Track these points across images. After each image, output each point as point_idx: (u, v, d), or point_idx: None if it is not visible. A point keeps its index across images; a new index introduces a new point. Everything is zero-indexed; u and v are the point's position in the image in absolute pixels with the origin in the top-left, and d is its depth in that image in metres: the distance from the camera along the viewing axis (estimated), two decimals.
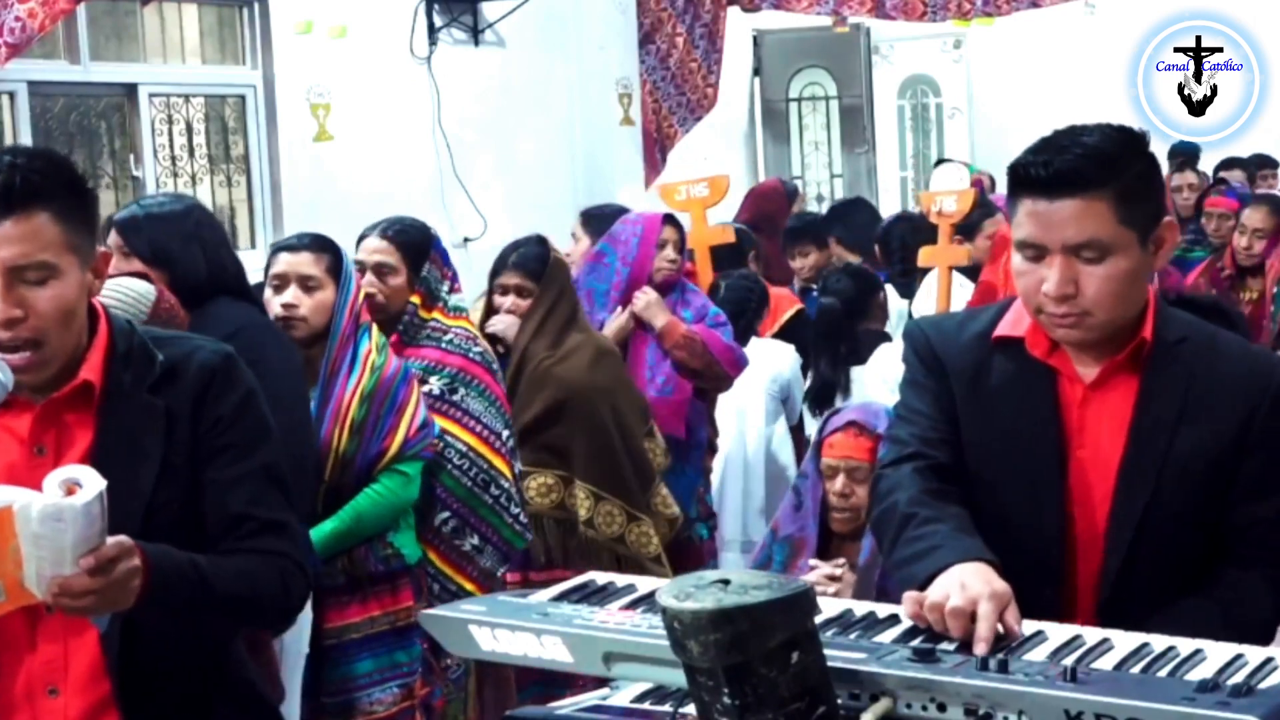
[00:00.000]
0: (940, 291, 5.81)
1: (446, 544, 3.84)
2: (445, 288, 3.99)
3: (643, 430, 4.45)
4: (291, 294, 3.65)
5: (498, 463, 3.88)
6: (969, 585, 1.96)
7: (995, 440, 2.34)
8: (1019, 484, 2.31)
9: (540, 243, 4.46)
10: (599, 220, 5.37)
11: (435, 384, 3.86)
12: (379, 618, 3.63)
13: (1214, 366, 2.27)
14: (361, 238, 4.01)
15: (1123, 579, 2.25)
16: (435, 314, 3.95)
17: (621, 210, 5.61)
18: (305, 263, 3.67)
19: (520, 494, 3.97)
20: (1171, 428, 2.24)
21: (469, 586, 3.81)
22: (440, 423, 3.81)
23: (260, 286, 3.74)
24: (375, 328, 3.71)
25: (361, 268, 3.89)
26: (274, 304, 3.67)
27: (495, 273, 4.43)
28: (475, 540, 3.86)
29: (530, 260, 4.37)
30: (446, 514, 3.83)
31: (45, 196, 2.14)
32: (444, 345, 3.91)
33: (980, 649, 1.86)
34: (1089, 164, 2.16)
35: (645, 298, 4.92)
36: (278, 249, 3.78)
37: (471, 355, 3.93)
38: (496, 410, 3.92)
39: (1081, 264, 2.19)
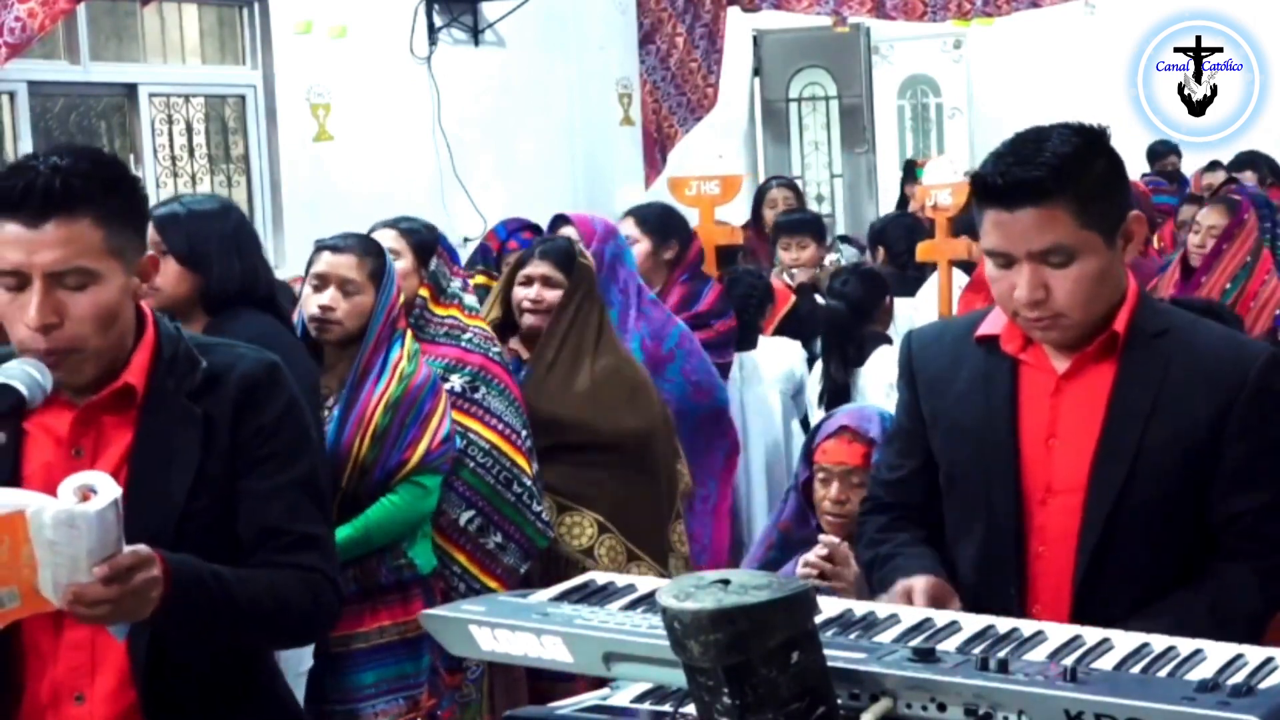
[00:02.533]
0: (941, 287, 5.75)
1: (472, 542, 3.83)
2: (457, 284, 4.00)
3: (666, 467, 4.19)
4: (330, 296, 3.61)
5: (519, 460, 3.87)
6: (909, 591, 2.24)
7: (958, 439, 2.39)
8: (978, 479, 2.35)
9: (569, 241, 4.30)
10: (655, 219, 5.29)
11: (456, 381, 3.84)
12: (388, 628, 3.62)
13: (1192, 356, 2.28)
14: (370, 231, 4.04)
15: (1094, 569, 2.26)
16: (452, 311, 3.95)
17: (665, 207, 5.54)
18: (348, 265, 3.63)
19: (541, 491, 3.92)
20: (1146, 415, 2.26)
21: (493, 585, 3.78)
22: (463, 420, 3.80)
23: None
24: (409, 335, 3.69)
25: None
26: (311, 303, 3.63)
27: (520, 264, 4.22)
28: (498, 538, 3.84)
29: (559, 252, 4.14)
30: (471, 512, 3.82)
31: (87, 200, 2.07)
32: (464, 344, 3.91)
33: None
34: (1045, 172, 2.18)
35: None
36: (321, 247, 3.70)
37: (491, 355, 3.93)
38: (515, 409, 3.91)
39: (1049, 269, 2.22)
